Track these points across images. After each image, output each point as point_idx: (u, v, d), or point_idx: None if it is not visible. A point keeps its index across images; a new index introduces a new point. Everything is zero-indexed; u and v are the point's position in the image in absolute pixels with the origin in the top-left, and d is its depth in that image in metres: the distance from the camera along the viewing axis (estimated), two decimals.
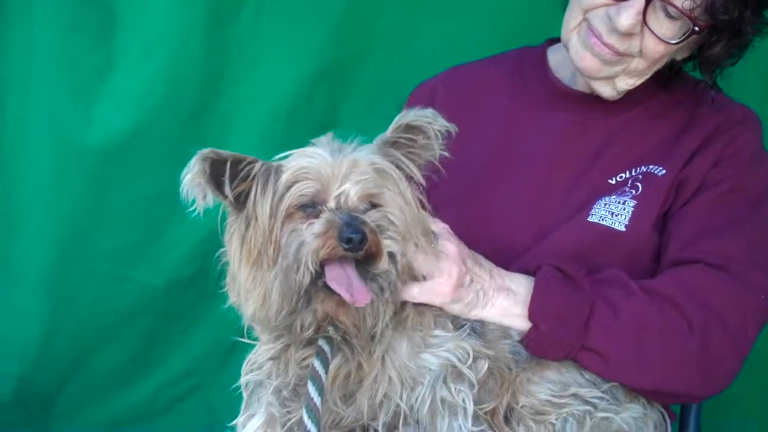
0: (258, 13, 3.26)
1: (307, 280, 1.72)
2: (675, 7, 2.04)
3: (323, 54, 3.33)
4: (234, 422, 2.04)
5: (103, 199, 3.31)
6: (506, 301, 2.01)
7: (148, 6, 3.20)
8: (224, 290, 1.88)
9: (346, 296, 1.72)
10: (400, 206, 1.83)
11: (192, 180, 1.71)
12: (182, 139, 3.26)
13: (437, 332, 1.93)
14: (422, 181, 1.90)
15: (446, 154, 1.89)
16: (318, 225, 1.73)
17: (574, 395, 1.99)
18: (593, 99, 2.25)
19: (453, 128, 1.86)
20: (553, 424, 1.97)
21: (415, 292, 1.92)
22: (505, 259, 2.11)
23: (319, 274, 1.73)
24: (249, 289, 1.78)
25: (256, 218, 1.76)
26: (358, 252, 1.72)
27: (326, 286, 1.74)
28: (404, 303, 1.92)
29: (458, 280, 1.95)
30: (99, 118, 3.25)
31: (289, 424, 1.94)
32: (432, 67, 2.65)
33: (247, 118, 3.33)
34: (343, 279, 1.73)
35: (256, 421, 1.97)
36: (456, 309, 1.98)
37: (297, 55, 3.31)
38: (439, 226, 1.99)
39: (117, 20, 3.23)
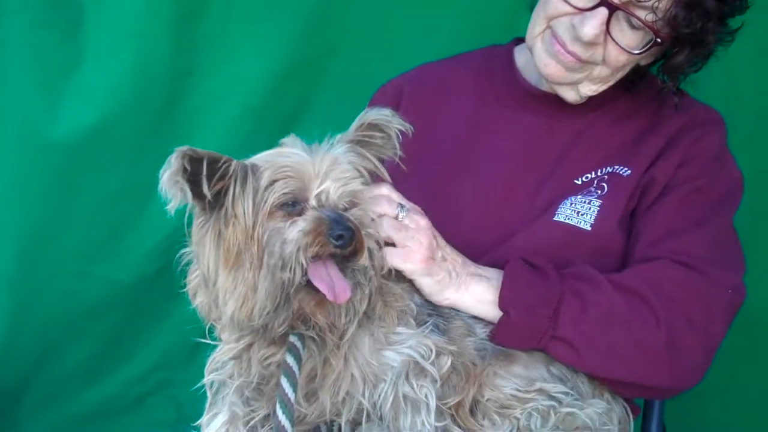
0: (227, 7, 3.24)
1: (297, 277, 1.72)
2: (638, 18, 2.06)
3: (293, 49, 3.32)
4: (199, 422, 2.03)
5: (69, 195, 3.27)
6: (479, 287, 2.03)
7: (115, 2, 3.17)
8: (185, 290, 1.87)
9: (329, 295, 1.72)
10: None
11: (171, 177, 1.67)
12: (150, 135, 3.23)
13: (399, 329, 1.94)
14: (388, 178, 1.95)
15: (402, 153, 1.92)
16: (305, 222, 1.73)
17: (540, 390, 2.00)
18: (559, 100, 2.26)
19: (410, 128, 1.89)
20: (518, 419, 1.97)
21: (386, 256, 1.94)
22: (472, 256, 2.12)
23: (303, 272, 1.73)
24: (228, 290, 1.76)
25: (236, 217, 1.74)
26: (347, 249, 1.74)
27: (308, 284, 1.74)
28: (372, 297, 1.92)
29: (429, 250, 1.98)
30: (66, 114, 3.21)
31: (252, 422, 1.94)
32: (402, 63, 2.66)
33: (216, 114, 3.31)
34: (325, 277, 1.74)
35: (219, 420, 1.96)
36: (427, 284, 1.99)
37: (267, 50, 3.29)
38: (410, 204, 2.02)
39: (84, 16, 3.19)
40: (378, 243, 1.88)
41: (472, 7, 3.27)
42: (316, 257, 1.73)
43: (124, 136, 3.23)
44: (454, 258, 2.04)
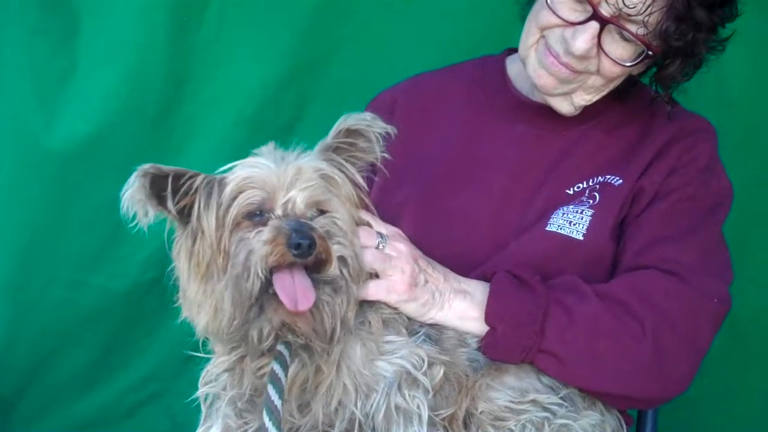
0: (222, 16, 3.25)
1: (257, 287, 1.73)
2: (629, 32, 2.07)
3: (288, 57, 3.33)
4: None
5: (64, 204, 3.28)
6: (463, 304, 2.03)
7: (111, 10, 3.18)
8: (177, 303, 1.88)
9: (288, 304, 1.72)
10: (347, 210, 1.86)
11: (132, 196, 1.72)
12: (145, 143, 3.25)
13: (391, 338, 1.94)
14: (364, 184, 1.94)
15: (387, 156, 1.92)
16: (266, 232, 1.73)
17: (533, 401, 2.00)
18: (551, 110, 2.26)
19: (392, 131, 1.89)
20: (512, 431, 1.97)
21: (371, 290, 1.94)
22: (465, 267, 2.13)
23: (269, 282, 1.74)
24: (200, 302, 1.79)
25: (202, 231, 1.76)
26: (308, 258, 1.73)
27: (276, 294, 1.75)
28: (361, 307, 1.93)
29: (411, 277, 1.97)
30: (62, 123, 3.23)
31: None
32: (397, 72, 2.66)
33: (211, 122, 3.32)
34: (289, 286, 1.74)
35: None
36: (412, 309, 2.00)
37: (262, 59, 3.30)
38: (390, 229, 2.02)
39: (80, 24, 3.21)
40: (358, 261, 1.87)
41: (466, 17, 3.29)
42: (277, 267, 1.73)
43: (120, 144, 3.24)
44: (436, 277, 2.04)
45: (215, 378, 1.97)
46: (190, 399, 2.03)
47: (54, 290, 3.36)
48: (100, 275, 3.36)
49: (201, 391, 2.00)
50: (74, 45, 3.24)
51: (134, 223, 1.76)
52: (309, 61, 3.35)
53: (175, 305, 1.88)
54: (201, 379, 2.00)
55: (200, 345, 1.96)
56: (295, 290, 1.73)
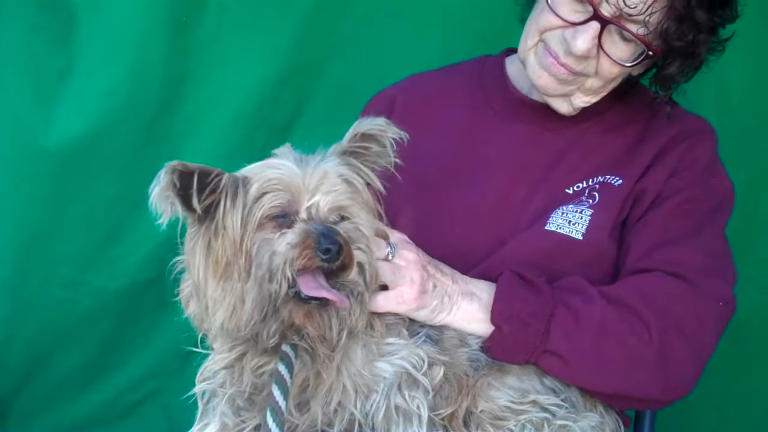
0: (221, 15, 3.24)
1: (284, 289, 1.73)
2: (629, 32, 2.08)
3: (287, 57, 3.32)
4: None
5: (62, 203, 3.26)
6: (471, 306, 2.03)
7: (109, 8, 3.16)
8: (177, 299, 1.88)
9: (333, 298, 1.72)
10: (366, 216, 1.86)
11: (161, 192, 1.69)
12: (143, 142, 3.23)
13: (392, 339, 1.94)
14: (382, 189, 1.94)
15: (399, 161, 1.92)
16: (294, 235, 1.74)
17: (533, 402, 2.01)
18: (551, 109, 2.27)
19: (405, 136, 1.89)
20: (512, 430, 1.98)
21: (380, 301, 1.94)
22: (464, 265, 2.13)
23: (291, 284, 1.74)
24: (217, 300, 1.78)
25: (225, 229, 1.75)
26: (335, 263, 1.74)
27: (296, 296, 1.75)
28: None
29: (421, 285, 1.98)
30: (59, 121, 3.20)
31: None
32: (395, 71, 2.66)
33: (210, 121, 3.31)
34: (318, 288, 1.74)
35: (210, 431, 1.97)
36: (422, 315, 2.00)
37: (260, 58, 3.29)
38: (396, 236, 2.01)
39: (78, 22, 3.19)
40: (371, 270, 1.87)
41: (465, 18, 3.28)
42: (303, 270, 1.74)
43: (118, 143, 3.22)
44: (444, 281, 2.04)
45: (213, 375, 1.96)
46: (186, 397, 2.03)
47: (51, 289, 3.34)
48: (97, 274, 3.34)
49: (198, 387, 2.00)
50: (72, 43, 3.22)
51: (159, 220, 1.73)
52: (307, 61, 3.34)
53: (175, 299, 1.88)
54: (198, 375, 2.00)
55: (198, 341, 1.97)
56: (327, 291, 1.74)
